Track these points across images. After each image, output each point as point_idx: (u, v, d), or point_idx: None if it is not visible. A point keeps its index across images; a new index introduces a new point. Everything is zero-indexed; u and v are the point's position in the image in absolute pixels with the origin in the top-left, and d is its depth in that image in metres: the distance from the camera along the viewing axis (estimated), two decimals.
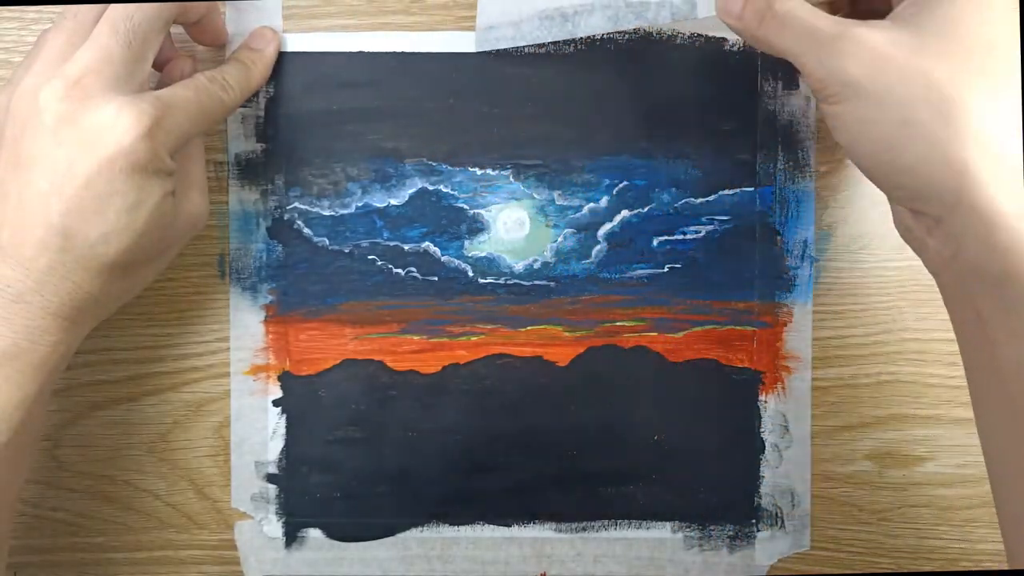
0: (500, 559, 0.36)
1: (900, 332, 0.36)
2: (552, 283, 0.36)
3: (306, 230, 0.36)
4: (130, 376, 0.36)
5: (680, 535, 0.37)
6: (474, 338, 0.36)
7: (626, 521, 0.37)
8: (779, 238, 0.36)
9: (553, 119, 0.36)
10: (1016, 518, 0.28)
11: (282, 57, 0.35)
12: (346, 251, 0.36)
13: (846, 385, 0.36)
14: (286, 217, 0.36)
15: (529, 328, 0.36)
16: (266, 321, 0.36)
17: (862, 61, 0.26)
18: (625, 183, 0.36)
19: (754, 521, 0.36)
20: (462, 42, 0.35)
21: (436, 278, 0.36)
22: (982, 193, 0.25)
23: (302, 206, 0.36)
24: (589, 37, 0.35)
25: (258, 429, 0.36)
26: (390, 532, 0.36)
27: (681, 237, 0.36)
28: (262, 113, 0.36)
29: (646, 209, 0.36)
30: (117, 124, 0.27)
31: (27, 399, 0.28)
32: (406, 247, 0.36)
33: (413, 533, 0.37)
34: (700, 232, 0.36)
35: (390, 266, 0.36)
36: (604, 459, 0.36)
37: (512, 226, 0.36)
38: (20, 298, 0.27)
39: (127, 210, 0.28)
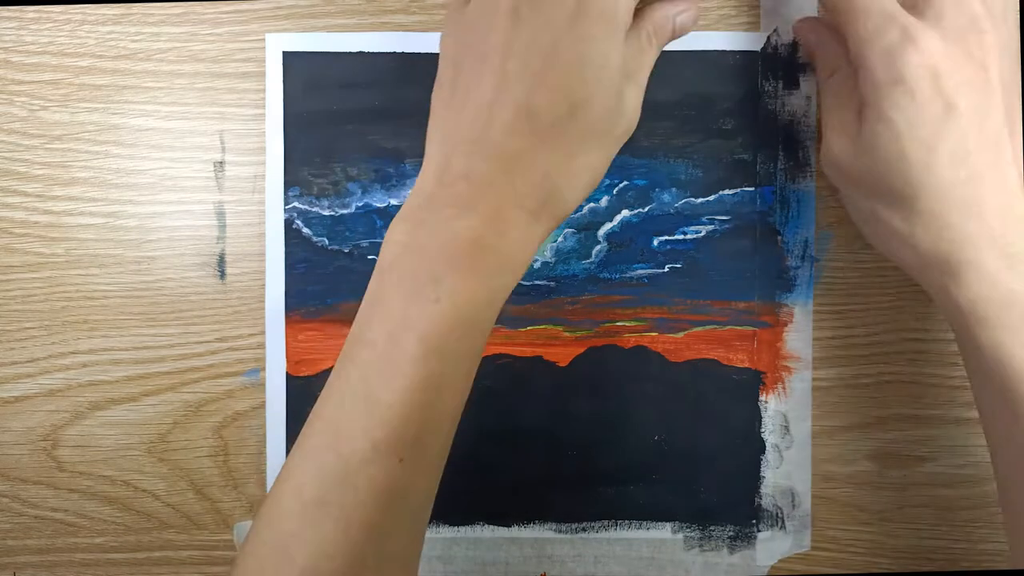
0: (500, 559, 0.36)
1: (900, 332, 0.36)
2: (552, 283, 0.36)
3: (305, 230, 0.36)
4: (130, 376, 0.36)
5: (680, 535, 0.37)
6: None
7: (626, 521, 0.36)
8: (779, 238, 0.36)
9: None
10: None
11: (283, 57, 0.35)
12: (346, 251, 0.36)
13: (846, 385, 0.36)
14: (285, 217, 0.36)
15: (529, 328, 0.36)
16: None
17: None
18: (625, 183, 0.36)
19: (754, 521, 0.36)
20: None
21: None
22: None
23: (301, 206, 0.36)
24: None
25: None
26: None
27: (681, 237, 0.36)
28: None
29: (646, 209, 0.36)
30: None
31: (493, 299, 0.27)
32: None
33: None
34: (700, 232, 0.36)
35: None
36: (604, 459, 0.36)
37: None
38: (490, 186, 0.26)
39: (598, 67, 0.26)
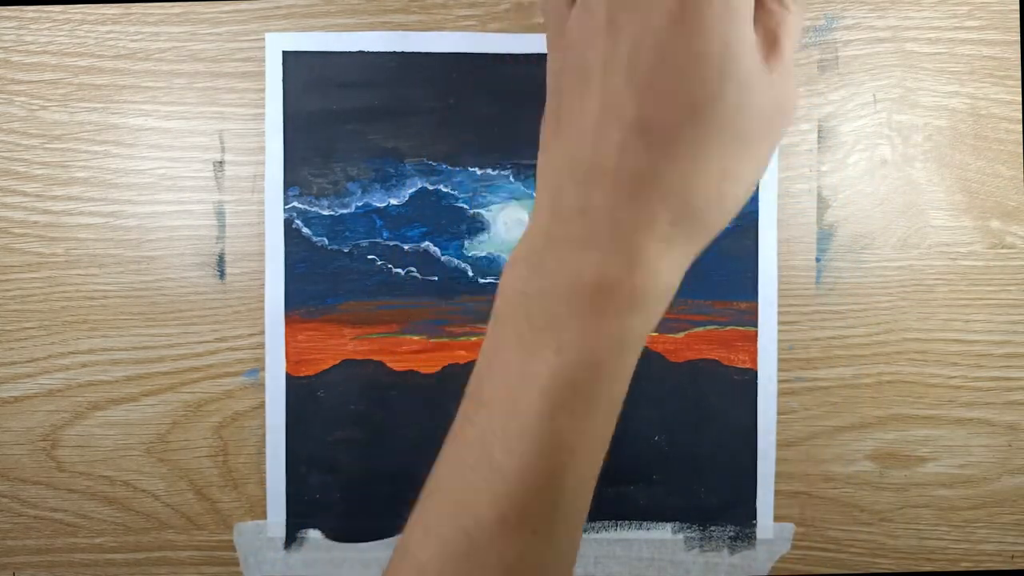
0: None
1: (901, 332, 0.36)
2: None
3: (305, 230, 0.36)
4: (130, 376, 0.36)
5: (681, 536, 0.36)
6: (474, 338, 0.36)
7: (626, 522, 0.36)
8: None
9: None
10: None
11: (283, 57, 0.35)
12: (346, 251, 0.36)
13: (847, 385, 0.36)
14: (285, 217, 0.36)
15: None
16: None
17: None
18: None
19: (755, 521, 0.36)
20: (462, 42, 0.35)
21: (436, 278, 0.36)
22: None
23: (301, 206, 0.36)
24: None
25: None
26: (390, 532, 0.36)
27: None
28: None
29: None
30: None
31: (626, 342, 0.23)
32: (406, 247, 0.36)
33: None
34: None
35: (390, 266, 0.36)
36: (604, 459, 0.36)
37: (512, 225, 0.36)
38: (610, 216, 0.23)
39: (720, 59, 0.22)
